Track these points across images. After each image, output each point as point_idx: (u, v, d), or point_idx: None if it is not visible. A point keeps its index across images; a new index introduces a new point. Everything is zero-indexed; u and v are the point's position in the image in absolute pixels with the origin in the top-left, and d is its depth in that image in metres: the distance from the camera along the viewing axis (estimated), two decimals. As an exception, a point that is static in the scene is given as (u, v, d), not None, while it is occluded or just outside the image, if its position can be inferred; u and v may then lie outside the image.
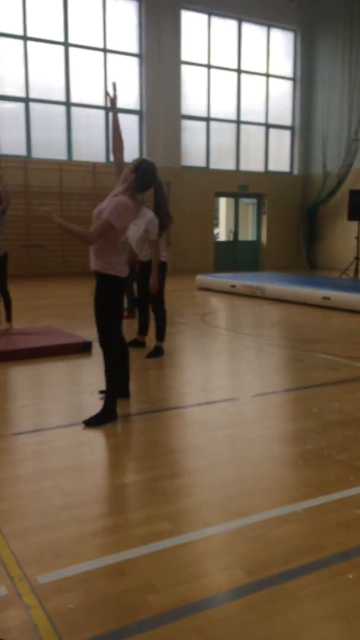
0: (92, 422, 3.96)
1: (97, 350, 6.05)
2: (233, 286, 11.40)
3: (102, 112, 15.62)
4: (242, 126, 17.97)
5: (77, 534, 2.52)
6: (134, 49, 15.98)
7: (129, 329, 6.83)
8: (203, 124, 17.27)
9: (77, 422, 4.04)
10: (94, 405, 4.31)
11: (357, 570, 2.26)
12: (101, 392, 4.37)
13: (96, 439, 3.69)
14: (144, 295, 6.20)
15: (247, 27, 17.59)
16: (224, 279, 11.94)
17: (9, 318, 7.27)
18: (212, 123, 17.40)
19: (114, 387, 4.09)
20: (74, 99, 15.27)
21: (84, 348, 6.06)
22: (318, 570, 2.26)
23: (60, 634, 1.90)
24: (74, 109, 15.31)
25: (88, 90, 15.35)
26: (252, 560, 2.32)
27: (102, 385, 4.75)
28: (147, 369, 5.52)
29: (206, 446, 3.57)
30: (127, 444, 3.72)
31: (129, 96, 15.94)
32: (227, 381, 5.34)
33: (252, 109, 18.01)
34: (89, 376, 5.33)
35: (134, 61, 16.03)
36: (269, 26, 17.91)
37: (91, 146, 15.47)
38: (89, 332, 6.74)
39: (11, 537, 2.48)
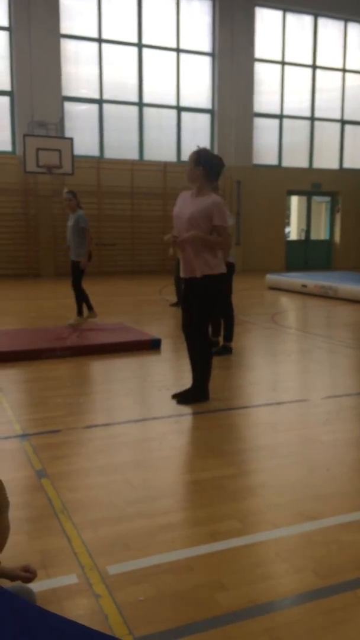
0: (183, 400, 4.13)
1: (165, 347, 6.11)
2: (304, 286, 11.18)
3: (173, 112, 15.74)
4: (316, 123, 17.61)
5: (146, 527, 2.53)
6: (207, 47, 15.98)
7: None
8: (276, 122, 17.05)
9: (146, 417, 4.08)
10: (163, 401, 4.34)
11: None
12: (174, 396, 4.39)
13: (165, 435, 3.70)
14: None
15: (323, 22, 17.23)
16: (295, 279, 11.73)
17: (82, 312, 7.54)
18: (285, 120, 17.15)
19: (208, 369, 4.28)
20: (146, 99, 15.46)
21: (153, 345, 6.11)
22: (393, 579, 2.17)
23: (130, 625, 1.91)
24: (146, 109, 15.49)
25: (160, 90, 15.50)
26: (324, 565, 2.26)
27: (171, 382, 4.79)
28: (215, 367, 5.47)
29: (275, 447, 3.51)
30: (195, 442, 3.71)
31: (201, 95, 15.97)
32: (298, 382, 5.24)
33: (327, 105, 17.62)
34: (158, 373, 5.37)
35: (207, 60, 16.03)
36: (346, 20, 17.46)
37: (162, 146, 15.60)
38: (158, 330, 6.81)
39: (81, 527, 2.52)
